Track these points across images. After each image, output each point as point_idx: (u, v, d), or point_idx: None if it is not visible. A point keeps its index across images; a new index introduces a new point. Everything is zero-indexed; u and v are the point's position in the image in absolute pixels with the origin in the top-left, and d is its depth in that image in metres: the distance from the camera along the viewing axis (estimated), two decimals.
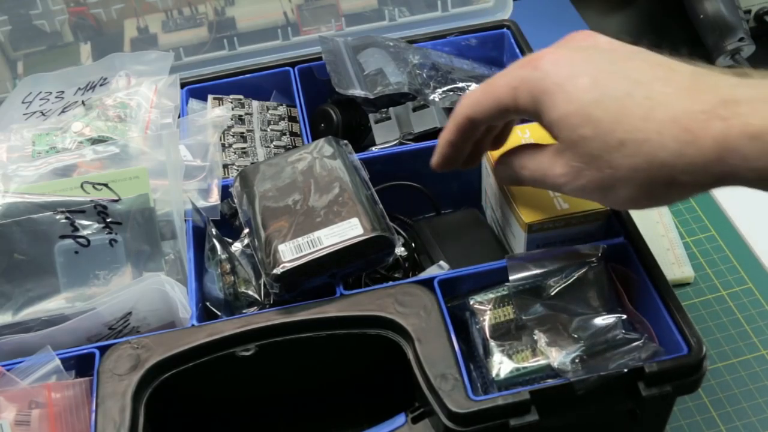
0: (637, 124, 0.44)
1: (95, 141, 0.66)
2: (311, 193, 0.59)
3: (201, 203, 0.63)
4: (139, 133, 0.68)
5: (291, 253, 0.55)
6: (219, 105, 0.72)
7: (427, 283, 0.56)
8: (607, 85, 0.46)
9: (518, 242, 0.60)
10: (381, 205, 0.59)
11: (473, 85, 0.70)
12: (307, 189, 0.59)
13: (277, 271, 0.55)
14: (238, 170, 0.66)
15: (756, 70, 0.45)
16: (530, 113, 0.49)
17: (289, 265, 0.55)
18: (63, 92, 0.74)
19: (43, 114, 0.72)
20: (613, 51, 0.49)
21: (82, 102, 0.70)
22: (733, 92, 0.43)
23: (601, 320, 0.54)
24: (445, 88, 0.70)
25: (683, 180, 0.44)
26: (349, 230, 0.56)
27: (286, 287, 0.55)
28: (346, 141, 0.65)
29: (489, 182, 0.65)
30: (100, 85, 0.74)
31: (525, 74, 0.48)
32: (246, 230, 0.60)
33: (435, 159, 0.56)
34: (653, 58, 0.47)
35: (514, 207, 0.58)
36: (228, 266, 0.60)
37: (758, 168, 0.42)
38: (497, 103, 0.50)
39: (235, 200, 0.62)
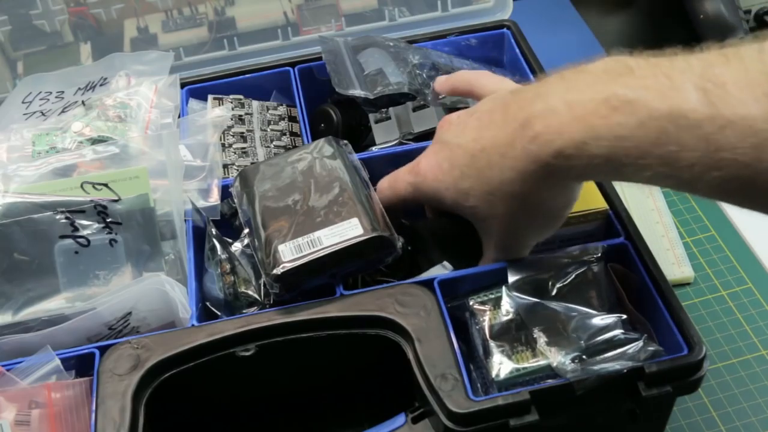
0: (488, 174, 0.51)
1: (95, 141, 0.66)
2: (311, 193, 0.59)
3: (201, 203, 0.63)
4: (139, 133, 0.67)
5: (291, 253, 0.55)
6: (219, 105, 0.72)
7: (427, 284, 0.56)
8: (460, 160, 0.53)
9: None
10: (381, 205, 0.59)
11: None
12: (307, 189, 0.59)
13: (277, 271, 0.55)
14: (238, 170, 0.66)
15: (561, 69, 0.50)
16: (432, 205, 0.60)
17: (289, 265, 0.55)
18: (63, 92, 0.74)
19: (43, 114, 0.72)
20: (459, 126, 0.55)
21: (82, 102, 0.70)
22: (529, 112, 0.48)
23: (601, 320, 0.54)
24: None
25: (545, 199, 0.50)
26: (350, 230, 0.56)
27: (286, 287, 0.55)
28: (346, 141, 0.64)
29: None
30: (100, 85, 0.74)
31: (412, 180, 0.57)
32: (246, 230, 0.60)
33: None
34: (483, 111, 0.54)
35: None
36: (228, 266, 0.60)
37: (578, 175, 0.48)
38: (403, 200, 0.59)
39: (235, 200, 0.62)
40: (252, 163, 0.67)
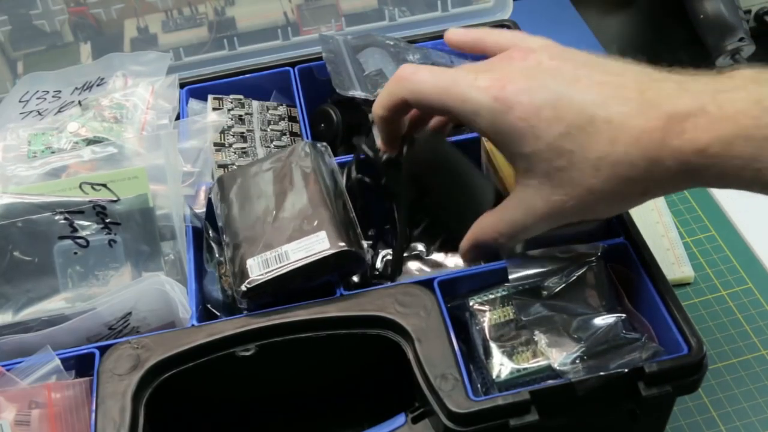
0: (606, 149, 0.47)
1: (91, 141, 0.66)
2: (284, 202, 0.59)
3: (187, 210, 0.63)
4: (135, 134, 0.67)
5: (258, 268, 0.55)
6: (219, 105, 0.72)
7: (427, 284, 0.56)
8: (570, 116, 0.47)
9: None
10: (354, 214, 0.59)
11: None
12: (280, 198, 0.59)
13: (243, 287, 0.55)
14: None
15: (690, 70, 0.48)
16: (484, 135, 0.51)
17: (255, 281, 0.55)
18: (60, 92, 0.74)
19: (39, 113, 0.71)
20: (560, 72, 0.49)
21: (79, 102, 0.70)
22: (676, 105, 0.46)
23: (601, 320, 0.54)
24: None
25: (655, 191, 0.48)
26: (317, 244, 0.55)
27: (254, 301, 0.56)
28: (325, 144, 0.64)
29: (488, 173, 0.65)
30: (97, 85, 0.73)
31: (487, 104, 0.48)
32: (224, 235, 0.60)
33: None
34: (597, 74, 0.49)
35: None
36: (227, 267, 0.59)
37: (711, 176, 0.46)
38: (445, 107, 0.50)
39: (214, 206, 0.62)
40: (228, 170, 0.66)
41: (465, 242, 0.55)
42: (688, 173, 0.46)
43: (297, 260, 0.55)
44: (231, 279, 0.57)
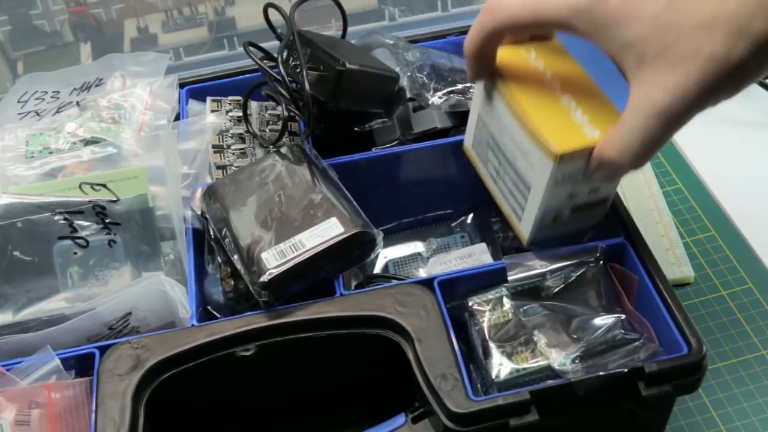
0: (717, 7, 0.43)
1: (88, 142, 0.66)
2: (284, 199, 0.59)
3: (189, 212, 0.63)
4: (133, 135, 0.67)
5: (275, 259, 0.55)
6: (218, 106, 0.72)
7: (427, 284, 0.56)
8: None
9: (539, 178, 0.52)
10: (355, 203, 0.59)
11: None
12: (280, 196, 0.59)
13: (264, 278, 0.55)
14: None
15: None
16: (585, 37, 0.48)
17: (275, 271, 0.55)
18: (58, 92, 0.74)
19: (37, 114, 0.71)
20: None
21: (77, 102, 0.70)
22: None
23: (601, 320, 0.54)
24: (444, 91, 0.70)
25: None
26: (330, 230, 0.56)
27: (275, 294, 0.55)
28: (309, 144, 0.64)
29: (490, 107, 0.56)
30: (96, 85, 0.73)
31: (582, 3, 0.46)
32: (225, 240, 0.60)
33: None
34: None
35: (539, 134, 0.50)
36: (228, 270, 0.59)
37: None
38: (540, 21, 0.49)
39: (207, 216, 0.62)
40: (218, 178, 0.66)
41: (591, 162, 0.51)
42: None
43: (314, 246, 0.55)
44: (246, 276, 0.56)
